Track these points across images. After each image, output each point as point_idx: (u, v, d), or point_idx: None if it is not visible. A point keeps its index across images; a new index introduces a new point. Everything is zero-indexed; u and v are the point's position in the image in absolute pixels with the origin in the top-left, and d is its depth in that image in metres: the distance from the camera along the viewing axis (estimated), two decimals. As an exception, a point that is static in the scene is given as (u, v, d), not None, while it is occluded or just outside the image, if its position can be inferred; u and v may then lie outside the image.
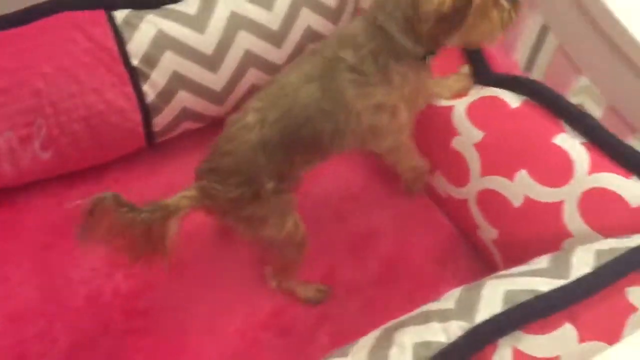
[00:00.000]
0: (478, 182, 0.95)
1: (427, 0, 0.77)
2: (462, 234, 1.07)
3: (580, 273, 0.74)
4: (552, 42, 1.02)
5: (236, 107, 1.15)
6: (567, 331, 0.71)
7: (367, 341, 0.75)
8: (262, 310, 1.00)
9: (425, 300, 0.80)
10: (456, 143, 0.98)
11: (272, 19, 1.08)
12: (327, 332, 0.99)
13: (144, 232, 0.82)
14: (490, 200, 0.94)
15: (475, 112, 0.96)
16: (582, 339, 0.71)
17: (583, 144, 0.86)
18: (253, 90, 1.13)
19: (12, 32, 0.98)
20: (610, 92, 0.90)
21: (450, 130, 0.98)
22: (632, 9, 0.84)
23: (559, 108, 0.88)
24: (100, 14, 1.00)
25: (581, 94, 1.13)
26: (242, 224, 0.91)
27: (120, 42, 1.00)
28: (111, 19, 1.00)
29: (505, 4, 0.82)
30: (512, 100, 0.93)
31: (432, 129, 1.01)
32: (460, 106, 0.97)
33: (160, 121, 1.07)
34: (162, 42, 1.02)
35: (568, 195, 0.86)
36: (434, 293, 0.86)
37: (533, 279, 0.76)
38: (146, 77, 1.02)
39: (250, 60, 1.09)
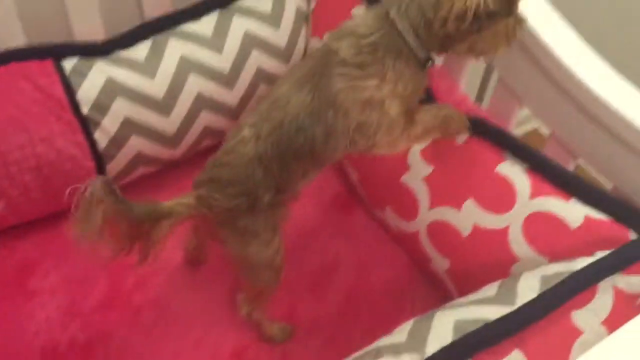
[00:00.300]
0: (427, 214, 0.97)
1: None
2: (418, 266, 1.09)
3: (526, 299, 0.75)
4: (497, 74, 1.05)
5: (191, 150, 1.16)
6: (516, 358, 0.72)
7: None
8: (225, 350, 1.00)
9: (386, 334, 0.80)
10: (405, 178, 1.00)
11: (222, 61, 1.10)
12: (289, 372, 0.98)
13: (133, 226, 0.81)
14: (440, 231, 0.96)
15: (426, 149, 0.99)
16: (531, 365, 0.71)
17: (524, 170, 0.88)
18: (207, 132, 1.15)
19: (-41, 85, 0.98)
20: (550, 122, 0.93)
21: (401, 167, 1.00)
22: (564, 40, 0.87)
23: (501, 140, 0.91)
24: (48, 64, 1.01)
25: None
26: (234, 237, 0.90)
27: (70, 91, 1.00)
28: (60, 69, 1.01)
29: (511, 20, 0.82)
30: (459, 136, 0.96)
31: (384, 166, 1.03)
32: (417, 146, 1.00)
33: (114, 167, 1.07)
34: (112, 89, 1.03)
35: (512, 221, 0.88)
36: (394, 325, 0.85)
37: (482, 308, 0.77)
38: (97, 124, 1.03)
39: (202, 103, 1.10)
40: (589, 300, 0.76)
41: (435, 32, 0.79)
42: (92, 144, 1.03)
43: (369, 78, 0.81)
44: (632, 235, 0.80)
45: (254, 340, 1.01)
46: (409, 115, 0.85)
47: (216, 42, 1.10)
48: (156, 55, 1.06)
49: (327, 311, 1.05)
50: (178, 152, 1.13)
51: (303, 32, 1.18)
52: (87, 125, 1.02)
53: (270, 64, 1.14)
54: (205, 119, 1.12)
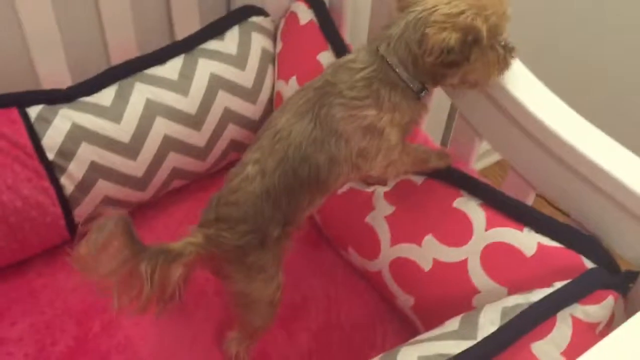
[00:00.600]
0: (389, 251, 0.99)
1: (435, 33, 0.78)
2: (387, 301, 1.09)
3: (487, 332, 0.76)
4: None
5: (160, 191, 1.17)
6: (479, 391, 0.72)
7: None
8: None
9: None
10: (368, 218, 1.02)
11: (188, 103, 1.11)
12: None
13: (145, 274, 0.80)
14: (403, 268, 0.97)
15: (389, 191, 1.01)
16: (493, 398, 0.72)
17: (479, 205, 0.91)
18: (175, 173, 1.16)
19: None
20: (509, 156, 0.95)
21: (367, 207, 1.02)
22: (520, 78, 0.90)
23: (457, 178, 0.94)
24: (13, 112, 1.01)
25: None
26: (240, 273, 0.90)
27: (35, 138, 1.01)
28: (25, 116, 1.02)
29: (500, 50, 0.84)
30: (417, 178, 0.99)
31: (351, 205, 1.05)
32: (380, 189, 1.02)
33: (81, 212, 1.08)
34: (77, 134, 1.03)
35: (471, 253, 0.90)
36: (364, 360, 0.86)
37: (445, 342, 0.78)
38: (63, 169, 1.03)
39: (169, 144, 1.11)
40: (548, 331, 0.77)
41: (422, 66, 0.81)
42: (59, 189, 1.04)
43: (367, 108, 0.83)
44: (584, 261, 0.82)
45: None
46: (405, 143, 0.88)
47: (182, 84, 1.11)
48: (122, 99, 1.07)
49: (299, 348, 1.05)
50: (147, 194, 1.14)
51: (270, 72, 1.20)
52: (53, 171, 1.02)
53: (238, 104, 1.16)
54: (174, 160, 1.13)
